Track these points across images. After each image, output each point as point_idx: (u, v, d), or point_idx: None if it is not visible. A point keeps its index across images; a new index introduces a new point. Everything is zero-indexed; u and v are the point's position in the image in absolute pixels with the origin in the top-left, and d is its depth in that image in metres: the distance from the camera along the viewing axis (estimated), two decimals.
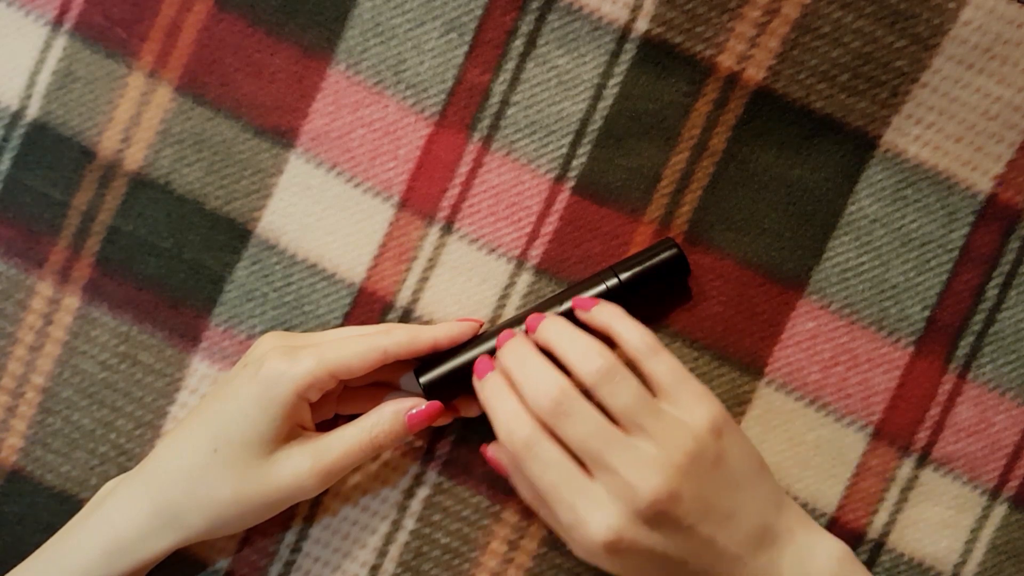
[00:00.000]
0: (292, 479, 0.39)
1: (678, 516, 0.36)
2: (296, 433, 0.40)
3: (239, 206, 0.43)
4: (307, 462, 0.39)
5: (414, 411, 0.40)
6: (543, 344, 0.39)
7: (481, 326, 0.42)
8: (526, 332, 0.40)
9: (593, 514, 0.36)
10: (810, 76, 0.42)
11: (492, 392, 0.39)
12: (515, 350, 0.39)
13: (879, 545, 0.43)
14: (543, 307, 0.41)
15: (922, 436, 0.43)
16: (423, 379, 0.41)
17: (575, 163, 0.43)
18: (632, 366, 0.38)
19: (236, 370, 0.41)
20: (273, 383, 0.39)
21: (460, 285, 0.43)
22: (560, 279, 0.43)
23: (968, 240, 0.43)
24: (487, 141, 0.43)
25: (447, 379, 0.41)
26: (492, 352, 0.41)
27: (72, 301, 0.44)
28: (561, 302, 0.41)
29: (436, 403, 0.41)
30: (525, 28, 0.43)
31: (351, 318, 0.43)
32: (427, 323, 0.43)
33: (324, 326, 0.44)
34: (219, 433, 0.39)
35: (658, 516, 0.36)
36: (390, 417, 0.40)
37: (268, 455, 0.39)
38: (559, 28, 0.42)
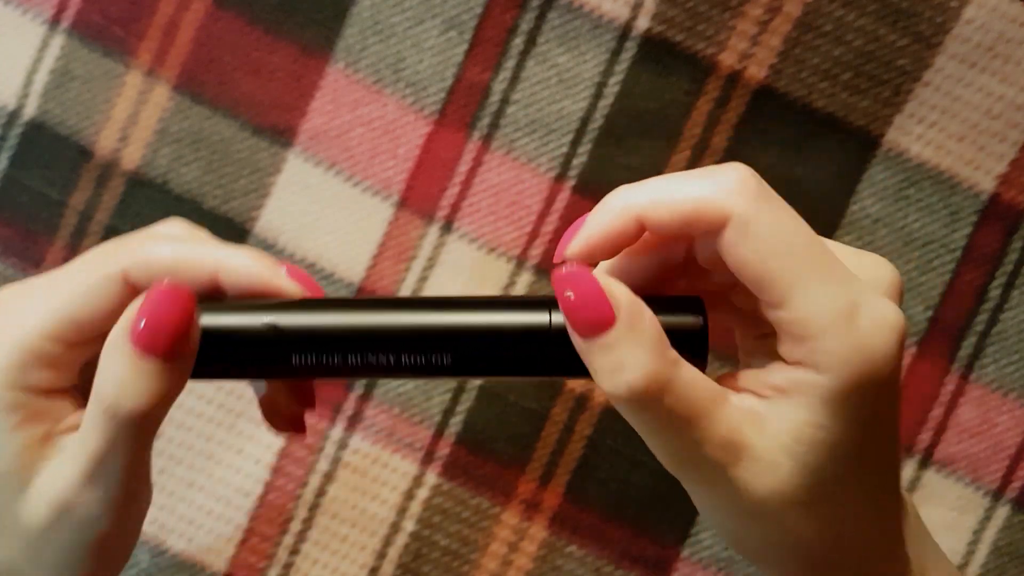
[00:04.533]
0: (57, 497, 0.25)
1: None
2: (53, 419, 0.26)
3: (237, 205, 0.43)
4: (68, 465, 0.25)
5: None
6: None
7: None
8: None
9: (883, 301, 0.26)
10: (812, 75, 0.42)
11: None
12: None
13: None
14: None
15: (924, 437, 0.43)
16: (204, 318, 0.26)
17: (575, 162, 0.43)
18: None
19: None
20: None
21: (460, 284, 0.43)
22: None
23: (971, 240, 0.43)
24: (487, 140, 0.43)
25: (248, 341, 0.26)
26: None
27: None
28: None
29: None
30: (525, 26, 0.42)
31: None
32: None
33: None
34: None
35: None
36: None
37: (22, 487, 0.26)
38: (559, 26, 0.42)
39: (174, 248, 0.27)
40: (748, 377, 0.26)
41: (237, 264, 0.27)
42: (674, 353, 0.25)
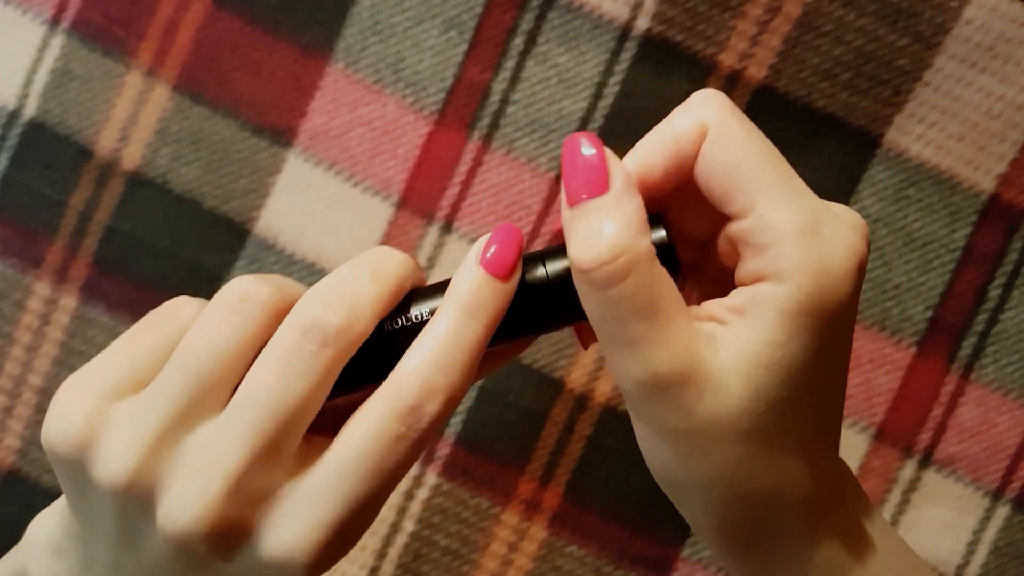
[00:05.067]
0: None
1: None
2: None
3: (237, 205, 0.43)
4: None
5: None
6: None
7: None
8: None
9: (848, 217, 0.27)
10: (812, 75, 0.42)
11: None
12: None
13: None
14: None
15: (924, 437, 0.43)
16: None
17: None
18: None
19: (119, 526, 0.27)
20: None
21: None
22: None
23: (971, 240, 0.43)
24: (487, 140, 0.43)
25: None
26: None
27: (69, 301, 0.43)
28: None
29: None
30: (525, 26, 0.42)
31: None
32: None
33: None
34: None
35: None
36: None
37: None
38: (560, 26, 0.42)
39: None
40: (708, 305, 0.26)
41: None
42: (649, 242, 0.25)
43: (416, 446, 0.27)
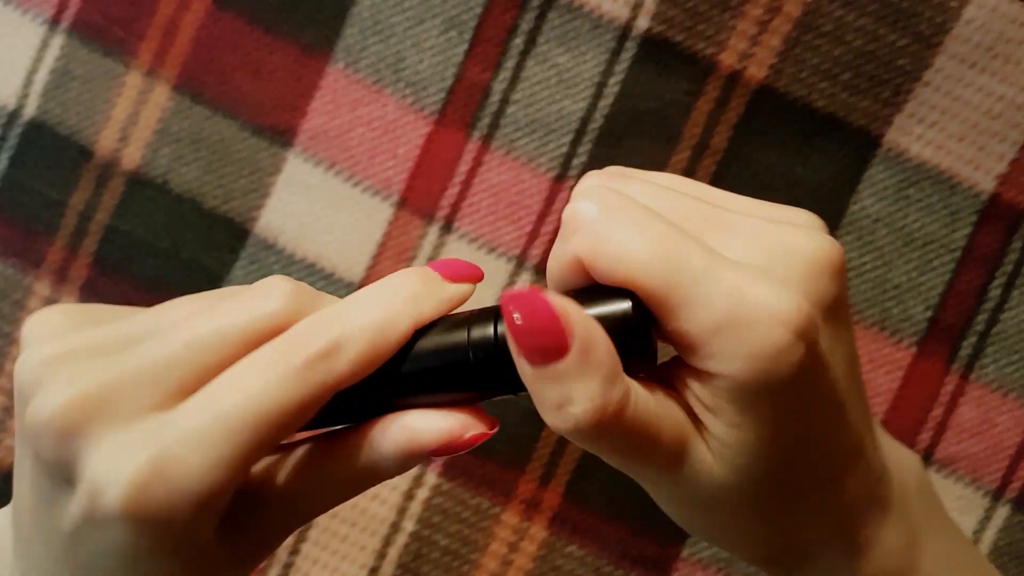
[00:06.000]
0: None
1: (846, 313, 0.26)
2: (223, 526, 0.25)
3: (237, 205, 0.43)
4: None
5: (449, 437, 0.26)
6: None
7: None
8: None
9: (764, 286, 0.23)
10: (812, 75, 0.42)
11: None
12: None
13: None
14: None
15: (925, 437, 0.43)
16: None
17: (576, 162, 0.43)
18: None
19: (38, 475, 0.25)
20: (151, 547, 0.24)
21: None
22: None
23: (971, 240, 0.43)
24: (487, 140, 0.43)
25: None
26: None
27: (70, 301, 0.43)
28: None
29: (479, 434, 0.27)
30: (525, 26, 0.42)
31: None
32: None
33: None
34: None
35: (836, 300, 0.25)
36: (397, 459, 0.25)
37: None
38: (559, 26, 0.42)
39: (374, 346, 0.25)
40: (687, 390, 0.26)
41: (431, 313, 0.26)
42: (626, 383, 0.23)
43: (300, 400, 0.24)
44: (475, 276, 0.27)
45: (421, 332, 0.26)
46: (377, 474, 0.25)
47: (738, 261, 0.24)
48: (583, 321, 0.23)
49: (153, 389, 0.24)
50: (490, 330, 0.25)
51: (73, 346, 0.25)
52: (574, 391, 0.23)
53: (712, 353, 0.23)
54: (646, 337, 0.24)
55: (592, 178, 0.27)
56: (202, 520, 0.24)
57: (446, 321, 0.26)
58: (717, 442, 0.24)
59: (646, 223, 0.24)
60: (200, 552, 0.25)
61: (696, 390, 0.24)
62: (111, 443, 0.23)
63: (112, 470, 0.23)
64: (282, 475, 0.26)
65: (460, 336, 0.25)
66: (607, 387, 0.23)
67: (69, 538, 0.24)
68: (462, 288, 0.27)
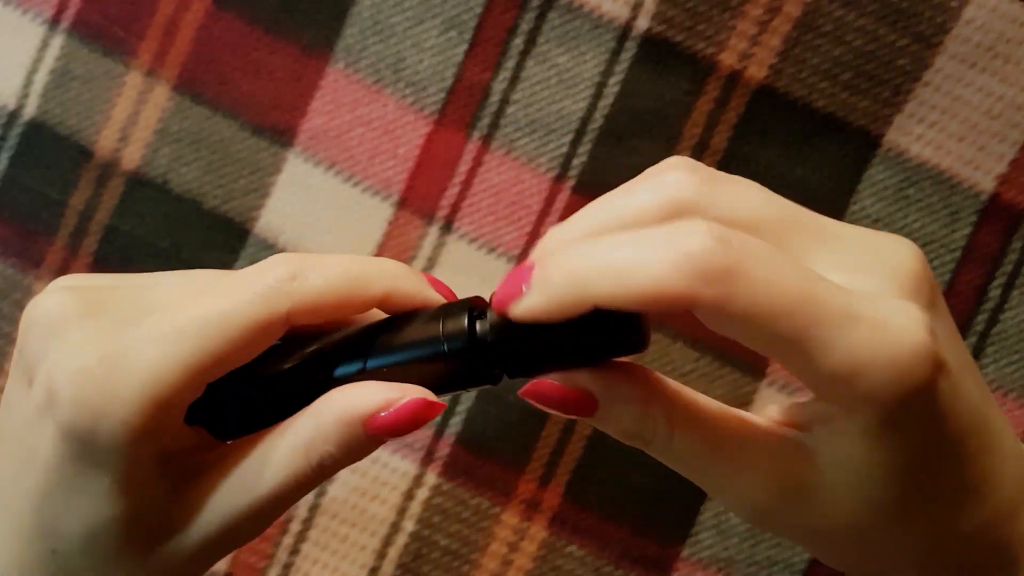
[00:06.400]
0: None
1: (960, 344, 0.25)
2: (171, 473, 0.25)
3: (237, 205, 0.43)
4: (199, 544, 0.25)
5: (382, 413, 0.24)
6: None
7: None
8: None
9: (898, 314, 0.22)
10: (812, 74, 0.42)
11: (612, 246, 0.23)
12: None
13: None
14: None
15: None
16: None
17: (575, 162, 0.43)
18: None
19: (14, 391, 0.26)
20: (87, 442, 0.23)
21: (460, 285, 0.43)
22: None
23: (970, 240, 0.43)
24: (487, 140, 0.43)
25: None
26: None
27: None
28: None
29: (418, 398, 0.24)
30: (525, 26, 0.42)
31: None
32: None
33: None
34: (47, 526, 0.25)
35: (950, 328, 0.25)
36: (337, 428, 0.24)
37: (145, 545, 0.25)
38: (560, 26, 0.42)
39: (340, 284, 0.25)
40: (790, 411, 0.25)
41: (408, 290, 0.26)
42: (667, 399, 0.24)
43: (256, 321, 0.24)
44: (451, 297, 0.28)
45: (394, 321, 0.26)
46: (319, 451, 0.25)
47: (866, 291, 0.23)
48: (594, 380, 0.24)
49: (136, 311, 0.25)
50: (464, 321, 0.25)
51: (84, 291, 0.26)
52: (624, 421, 0.25)
53: (846, 395, 0.22)
54: (642, 326, 0.24)
55: (680, 171, 0.25)
56: (143, 431, 0.23)
57: (421, 314, 0.26)
58: (841, 471, 0.24)
59: (779, 265, 0.22)
60: (136, 481, 0.24)
61: (816, 405, 0.24)
62: (75, 339, 0.24)
63: (66, 359, 0.23)
64: (230, 450, 0.26)
65: (434, 327, 0.25)
66: (642, 410, 0.24)
67: (25, 433, 0.25)
68: (442, 298, 0.27)
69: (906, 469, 0.23)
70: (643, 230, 0.23)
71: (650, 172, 0.25)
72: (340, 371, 0.25)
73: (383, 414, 0.24)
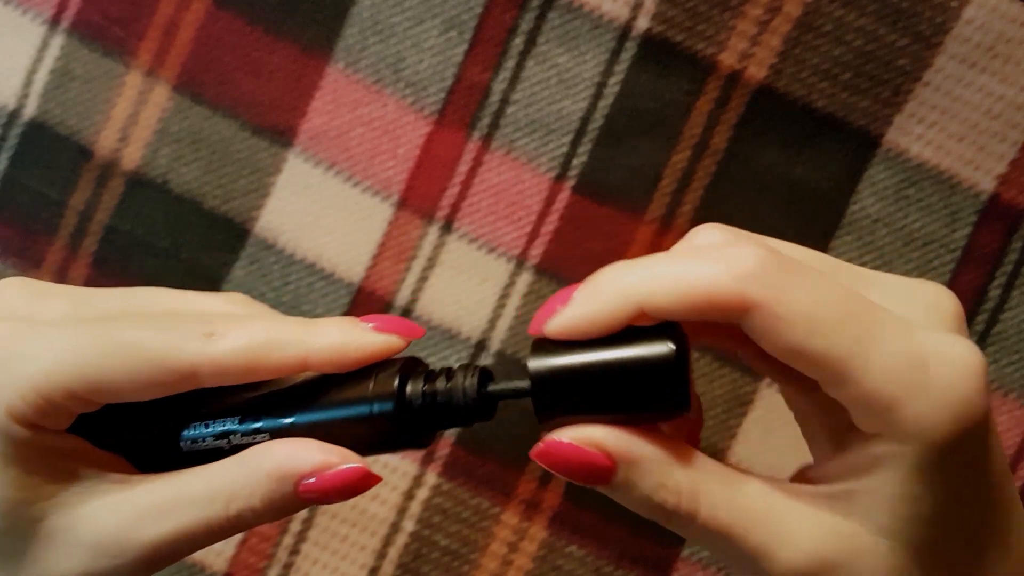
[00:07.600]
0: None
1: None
2: (73, 475, 0.25)
3: (237, 205, 0.43)
4: (86, 555, 0.24)
5: (312, 479, 0.23)
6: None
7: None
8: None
9: (958, 345, 0.22)
10: (812, 75, 0.42)
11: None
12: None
13: None
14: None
15: None
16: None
17: (575, 162, 0.43)
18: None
19: None
20: None
21: (460, 284, 0.43)
22: (560, 278, 0.43)
23: (970, 240, 0.43)
24: (487, 140, 0.43)
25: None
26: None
27: None
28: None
29: (357, 467, 0.24)
30: (525, 26, 0.42)
31: None
32: (425, 322, 0.43)
33: None
34: None
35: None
36: (267, 483, 0.23)
37: (27, 535, 0.24)
38: (559, 26, 0.42)
39: (250, 351, 0.24)
40: (823, 469, 0.24)
41: (324, 346, 0.24)
42: (689, 464, 0.23)
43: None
44: (411, 333, 0.25)
45: (328, 380, 0.25)
46: (241, 503, 0.24)
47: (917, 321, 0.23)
48: (612, 439, 0.23)
49: (78, 310, 0.26)
50: (394, 383, 0.24)
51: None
52: (644, 488, 0.23)
53: (899, 419, 0.22)
54: (683, 381, 0.23)
55: (714, 231, 0.25)
56: (22, 418, 0.24)
57: (356, 373, 0.24)
58: (883, 518, 0.23)
59: (825, 281, 0.22)
60: (15, 466, 0.24)
61: (853, 456, 0.23)
62: None
63: None
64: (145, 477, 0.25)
65: (364, 388, 0.24)
66: (663, 478, 0.23)
67: None
68: (386, 338, 0.25)
69: (949, 508, 0.23)
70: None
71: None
72: (265, 423, 0.24)
73: (314, 478, 0.23)
